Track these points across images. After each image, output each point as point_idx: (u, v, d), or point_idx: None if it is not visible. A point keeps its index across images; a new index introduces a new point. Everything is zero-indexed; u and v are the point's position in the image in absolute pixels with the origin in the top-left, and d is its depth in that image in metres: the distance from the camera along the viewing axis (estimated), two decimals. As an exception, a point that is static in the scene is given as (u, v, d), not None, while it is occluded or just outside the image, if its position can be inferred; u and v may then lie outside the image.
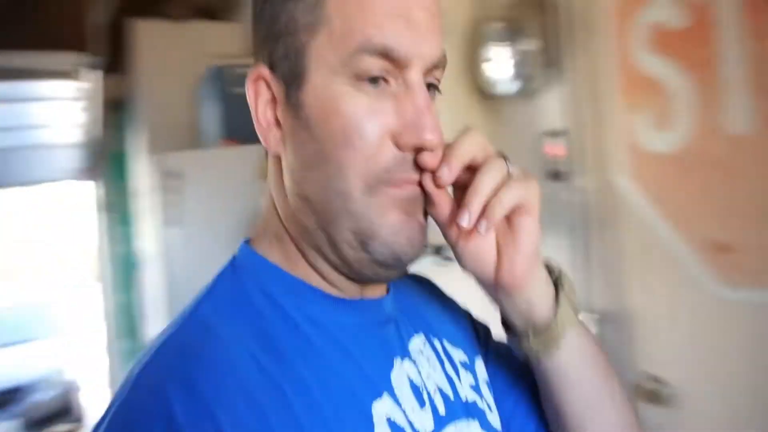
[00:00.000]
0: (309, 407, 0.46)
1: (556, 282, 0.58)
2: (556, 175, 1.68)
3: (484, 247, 0.54)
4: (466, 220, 0.50)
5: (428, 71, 0.52)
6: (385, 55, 0.49)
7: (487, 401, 0.62)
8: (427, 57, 0.51)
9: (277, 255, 0.55)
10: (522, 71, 1.75)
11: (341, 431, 0.47)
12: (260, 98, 0.54)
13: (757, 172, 1.23)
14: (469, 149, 0.52)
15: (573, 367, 0.57)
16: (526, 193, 0.52)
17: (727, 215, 1.29)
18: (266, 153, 0.57)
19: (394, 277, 0.55)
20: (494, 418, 0.61)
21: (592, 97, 1.63)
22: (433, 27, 0.52)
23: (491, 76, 1.79)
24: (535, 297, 0.55)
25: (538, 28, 1.72)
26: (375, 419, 0.49)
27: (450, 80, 1.91)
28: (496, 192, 0.51)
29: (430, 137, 0.50)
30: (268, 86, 0.54)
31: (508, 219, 0.53)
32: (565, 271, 0.60)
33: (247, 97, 0.54)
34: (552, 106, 1.74)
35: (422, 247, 0.53)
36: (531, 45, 1.73)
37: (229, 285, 0.54)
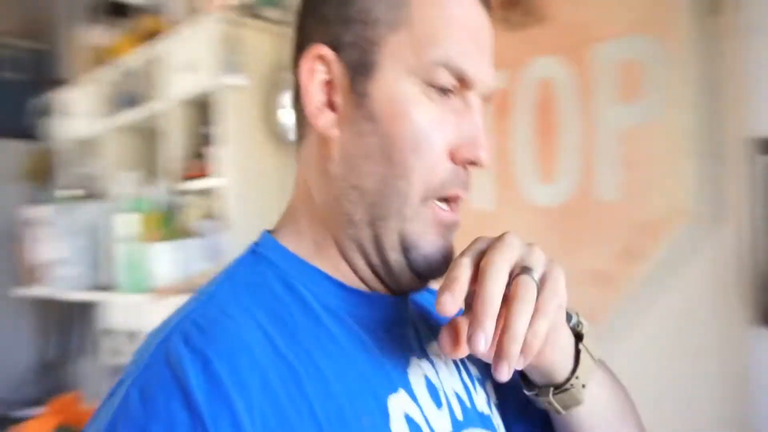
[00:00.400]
0: (324, 394, 0.46)
1: (576, 333, 0.55)
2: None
3: None
4: (505, 374, 0.45)
5: (484, 99, 0.54)
6: (459, 75, 0.51)
7: (497, 421, 0.61)
8: (488, 84, 0.54)
9: (301, 245, 0.55)
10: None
11: (356, 420, 0.47)
12: (315, 77, 0.53)
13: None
14: (498, 295, 0.45)
15: (595, 417, 0.56)
16: (557, 305, 0.47)
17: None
18: (299, 137, 0.57)
19: (421, 288, 0.56)
20: None
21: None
22: (492, 57, 0.55)
23: (287, 123, 1.86)
24: (556, 360, 0.52)
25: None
26: (390, 412, 0.49)
27: (248, 125, 1.95)
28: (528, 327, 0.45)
29: (484, 156, 0.52)
30: (327, 68, 0.53)
31: None
32: (581, 316, 0.57)
33: (300, 73, 0.54)
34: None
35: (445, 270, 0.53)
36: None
37: (248, 270, 0.53)
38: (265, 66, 1.91)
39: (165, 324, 0.48)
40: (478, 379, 0.62)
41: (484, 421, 0.58)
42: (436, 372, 0.56)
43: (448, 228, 0.53)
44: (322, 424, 0.45)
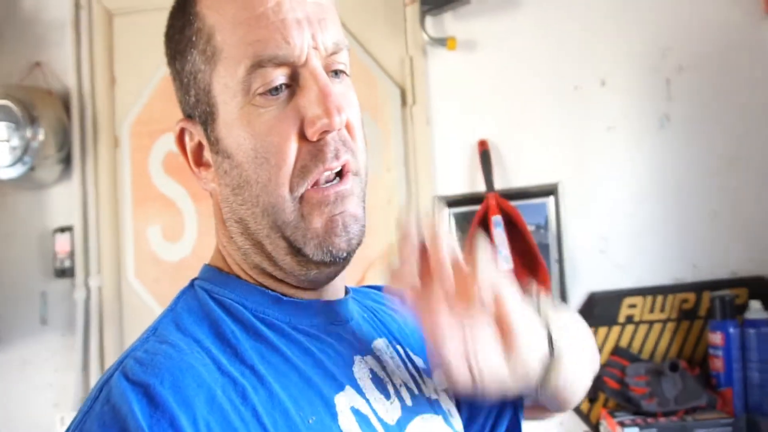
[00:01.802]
0: (269, 403, 0.48)
1: (546, 326, 0.54)
2: (63, 272, 1.67)
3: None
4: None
5: (327, 58, 0.54)
6: (278, 62, 0.51)
7: (447, 406, 0.62)
8: (320, 47, 0.53)
9: (234, 269, 0.57)
10: (27, 159, 1.67)
11: (303, 422, 0.48)
12: (188, 148, 0.57)
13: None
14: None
15: (569, 378, 0.57)
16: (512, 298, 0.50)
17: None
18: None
19: (340, 270, 0.57)
20: (457, 423, 0.62)
21: (107, 203, 1.74)
22: (320, 16, 0.53)
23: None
24: (531, 361, 0.51)
25: (54, 121, 1.71)
26: (338, 409, 0.51)
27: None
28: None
29: (325, 121, 0.50)
30: (191, 135, 0.57)
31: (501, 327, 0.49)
32: (544, 298, 0.57)
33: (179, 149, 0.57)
34: (63, 204, 1.73)
35: (359, 236, 0.54)
36: (41, 135, 1.69)
37: (188, 300, 0.55)
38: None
39: (111, 367, 0.49)
40: (425, 370, 0.64)
41: (433, 405, 0.60)
42: (382, 366, 0.58)
43: (333, 204, 0.53)
44: (269, 430, 0.46)
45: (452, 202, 1.64)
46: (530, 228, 1.56)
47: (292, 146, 0.52)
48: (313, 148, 0.52)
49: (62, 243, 1.68)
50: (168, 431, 0.42)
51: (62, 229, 1.70)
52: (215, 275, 0.58)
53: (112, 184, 1.75)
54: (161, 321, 0.54)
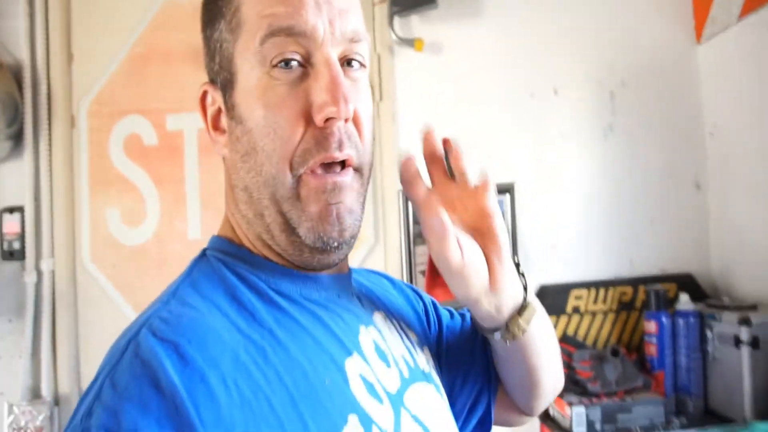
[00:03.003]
0: (288, 363, 0.50)
1: (520, 274, 0.62)
2: (12, 254, 1.58)
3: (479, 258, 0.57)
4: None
5: (344, 46, 0.55)
6: (291, 33, 0.52)
7: (437, 379, 0.66)
8: (338, 33, 0.54)
9: (244, 242, 0.58)
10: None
11: (320, 383, 0.50)
12: (208, 112, 0.59)
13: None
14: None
15: (536, 339, 0.64)
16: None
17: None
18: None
19: (335, 259, 0.57)
20: (444, 395, 0.67)
21: (62, 184, 1.66)
22: (341, 6, 0.54)
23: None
24: (509, 298, 0.60)
25: (4, 95, 1.62)
26: (348, 374, 0.54)
27: None
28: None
29: (333, 109, 0.51)
30: (213, 99, 0.58)
31: (482, 228, 0.59)
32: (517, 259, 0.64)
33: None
34: (13, 183, 1.63)
35: (353, 230, 0.55)
36: (-11, 109, 1.60)
37: (202, 268, 0.56)
38: None
39: (132, 325, 0.50)
40: (418, 343, 0.69)
41: (426, 377, 0.64)
42: (383, 338, 0.62)
43: (330, 193, 0.54)
44: (290, 389, 0.49)
45: (416, 196, 1.71)
46: (488, 224, 1.67)
47: (299, 124, 0.53)
48: (318, 134, 0.53)
49: (11, 224, 1.59)
50: (199, 386, 0.43)
51: (11, 210, 1.61)
52: (227, 246, 0.59)
53: (67, 164, 1.67)
54: (180, 285, 0.54)
